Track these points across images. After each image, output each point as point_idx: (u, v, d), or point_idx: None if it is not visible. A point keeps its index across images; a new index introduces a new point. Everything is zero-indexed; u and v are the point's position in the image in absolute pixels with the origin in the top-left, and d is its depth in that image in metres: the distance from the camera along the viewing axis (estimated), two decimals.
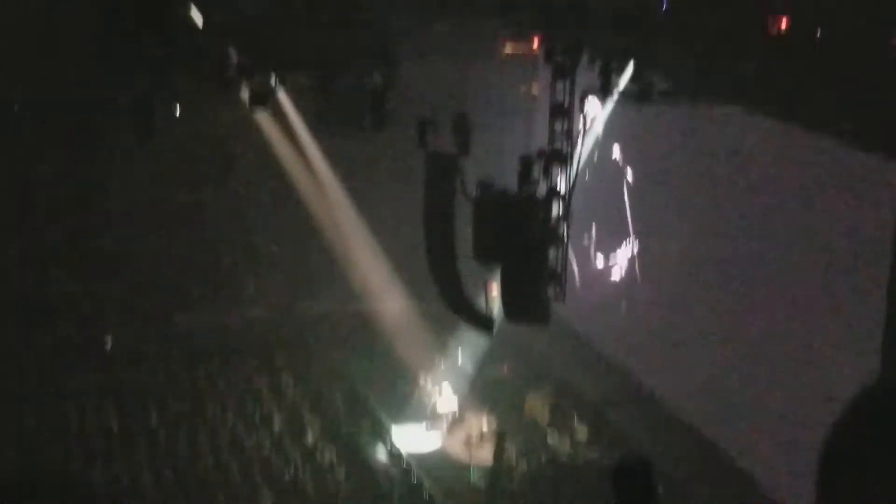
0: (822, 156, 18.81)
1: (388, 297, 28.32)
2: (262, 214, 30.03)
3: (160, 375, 26.14)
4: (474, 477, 22.41)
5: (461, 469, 22.85)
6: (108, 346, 27.05)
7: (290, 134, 27.90)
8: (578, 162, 18.11)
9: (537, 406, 25.09)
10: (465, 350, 26.48)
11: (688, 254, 23.79)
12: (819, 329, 19.54)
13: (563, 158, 17.65)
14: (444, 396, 25.06)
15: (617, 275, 26.66)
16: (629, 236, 26.01)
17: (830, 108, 16.14)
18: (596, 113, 22.56)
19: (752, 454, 21.25)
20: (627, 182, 25.97)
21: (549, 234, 17.73)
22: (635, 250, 25.89)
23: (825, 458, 1.25)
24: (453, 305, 19.97)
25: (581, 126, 18.08)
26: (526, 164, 17.44)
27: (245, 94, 21.41)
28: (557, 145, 17.77)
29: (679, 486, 21.67)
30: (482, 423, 24.08)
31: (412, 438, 23.93)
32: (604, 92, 18.04)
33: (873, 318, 17.29)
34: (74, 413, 23.93)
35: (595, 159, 26.06)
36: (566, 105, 18.00)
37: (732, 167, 21.81)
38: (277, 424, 24.05)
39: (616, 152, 26.29)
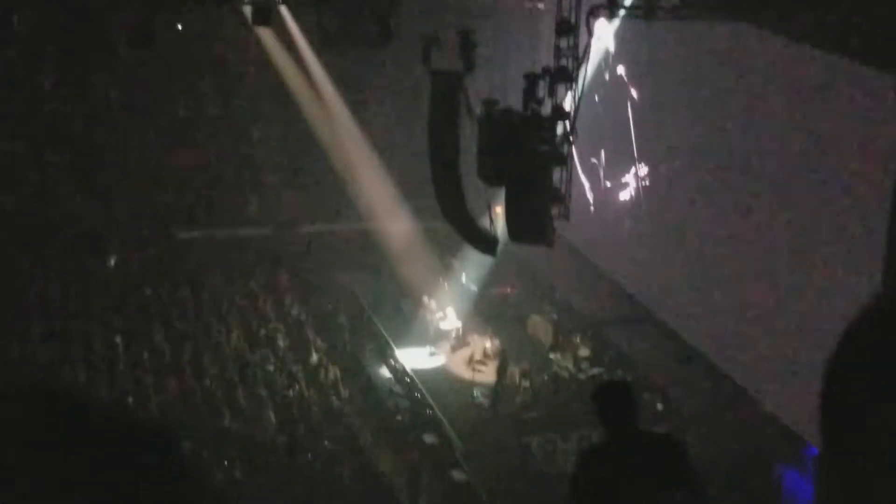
0: (828, 71, 18.64)
1: (392, 216, 28.27)
2: (265, 132, 29.90)
3: (164, 293, 26.20)
4: (477, 395, 22.58)
5: (464, 387, 23.02)
6: (112, 264, 27.08)
7: (293, 51, 27.68)
8: (584, 80, 17.93)
9: (540, 325, 25.20)
10: (469, 270, 26.52)
11: (692, 173, 23.68)
12: (821, 245, 19.52)
13: (569, 77, 17.44)
14: (447, 316, 25.17)
15: (621, 195, 26.58)
16: (634, 156, 25.88)
17: (837, 23, 15.97)
18: (603, 30, 22.30)
19: (753, 372, 21.35)
20: (633, 101, 25.78)
21: (554, 154, 17.60)
22: (640, 171, 25.78)
23: (829, 376, 1.21)
24: (457, 225, 19.92)
25: (587, 43, 17.85)
26: (531, 83, 17.24)
27: (247, 12, 21.20)
28: (563, 63, 17.57)
29: (675, 403, 21.90)
30: (485, 342, 24.22)
31: (416, 357, 24.07)
32: (611, 8, 17.80)
33: (875, 233, 17.29)
34: (79, 332, 24.03)
35: (601, 78, 25.85)
36: (572, 22, 17.76)
37: (738, 84, 21.62)
38: (281, 342, 24.16)
39: (622, 71, 26.06)
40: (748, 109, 21.34)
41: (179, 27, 23.99)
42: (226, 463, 19.14)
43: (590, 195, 27.17)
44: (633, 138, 25.78)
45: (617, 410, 6.40)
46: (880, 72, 17.13)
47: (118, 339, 23.54)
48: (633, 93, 25.72)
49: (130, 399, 21.22)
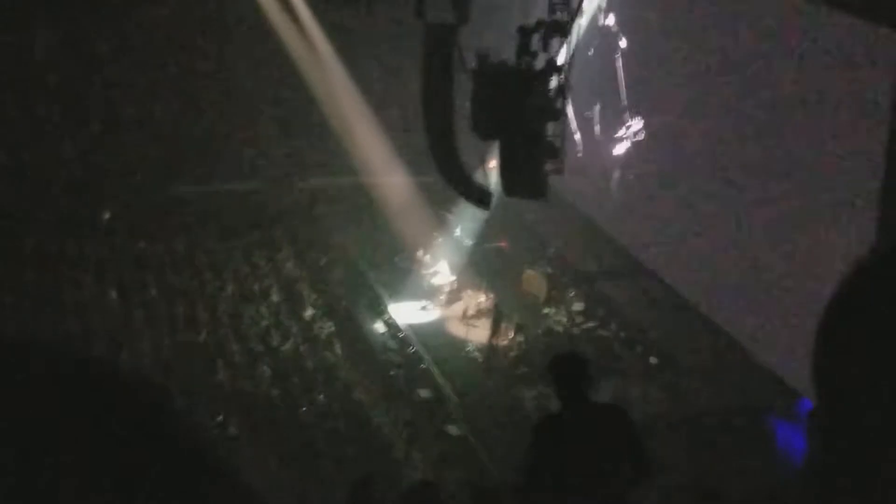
0: (822, 27, 18.56)
1: (385, 170, 28.22)
2: (258, 86, 29.75)
3: (158, 247, 26.18)
4: (471, 349, 22.65)
5: (458, 342, 23.08)
6: (106, 218, 27.02)
7: (285, 3, 27.51)
8: (578, 34, 17.85)
9: (534, 280, 25.24)
10: (463, 224, 26.52)
11: (685, 125, 23.65)
12: (816, 198, 19.54)
13: (563, 30, 17.35)
14: (441, 270, 25.19)
15: (615, 148, 26.55)
16: (627, 110, 25.83)
17: None
18: None
19: (748, 325, 21.45)
20: (624, 53, 25.69)
21: (548, 108, 17.55)
22: (633, 123, 25.73)
23: (821, 329, 1.20)
24: (451, 179, 19.89)
25: None
26: (525, 36, 17.16)
27: None
28: (557, 16, 17.47)
29: (670, 356, 22.00)
30: (479, 297, 24.26)
31: (410, 312, 24.12)
32: None
33: (871, 185, 17.29)
34: (71, 285, 24.03)
35: (595, 31, 25.73)
36: None
37: (729, 37, 21.55)
38: (276, 297, 24.19)
39: (612, 22, 25.94)
40: (741, 64, 21.27)
41: None
42: (220, 418, 19.21)
43: (584, 149, 27.13)
44: (625, 91, 25.71)
45: (569, 383, 6.63)
46: (877, 26, 17.05)
47: (113, 294, 23.56)
48: (623, 44, 25.63)
49: (124, 354, 21.27)
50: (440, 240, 26.57)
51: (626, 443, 6.73)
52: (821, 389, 1.20)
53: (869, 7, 16.21)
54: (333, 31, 27.91)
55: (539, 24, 17.36)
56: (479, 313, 23.78)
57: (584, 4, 17.80)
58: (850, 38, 18.05)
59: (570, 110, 23.86)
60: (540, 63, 17.25)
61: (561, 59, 17.50)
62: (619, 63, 25.75)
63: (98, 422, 1.22)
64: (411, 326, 23.35)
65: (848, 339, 1.17)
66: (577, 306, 24.03)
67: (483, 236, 26.57)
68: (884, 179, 16.77)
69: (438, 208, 26.91)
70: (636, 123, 25.57)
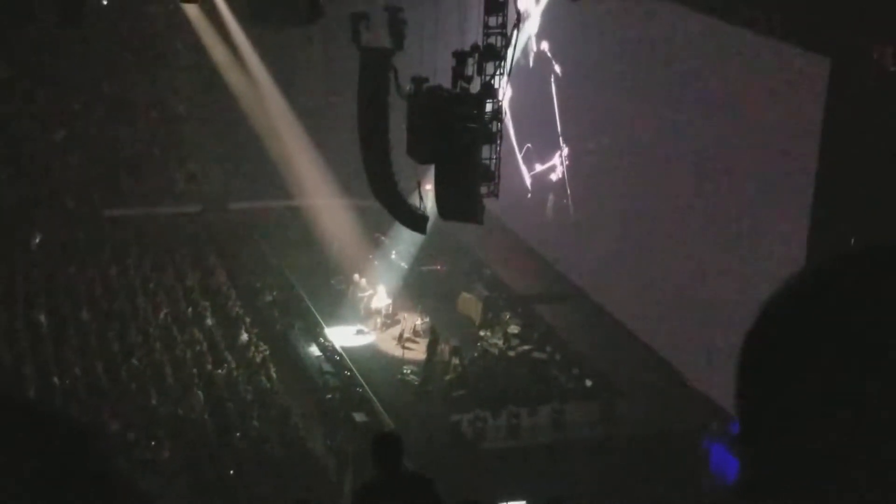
0: (751, 48, 18.89)
1: (321, 193, 28.14)
2: (192, 108, 29.58)
3: (90, 271, 25.84)
4: (407, 372, 22.61)
5: (394, 365, 23.03)
6: (37, 241, 26.61)
7: (221, 27, 27.42)
8: (513, 58, 17.97)
9: (470, 302, 25.28)
10: (399, 247, 26.52)
11: (617, 151, 23.91)
12: (746, 224, 19.84)
13: (497, 55, 17.48)
14: (377, 293, 25.15)
15: (548, 172, 26.74)
16: (560, 133, 26.04)
17: (762, 4, 16.20)
18: (531, 8, 22.36)
19: (678, 347, 21.66)
20: (557, 79, 25.92)
21: (483, 132, 17.64)
22: (566, 149, 25.95)
23: (745, 352, 1.24)
24: (387, 202, 19.90)
25: (516, 22, 17.88)
26: (460, 60, 17.25)
27: None
28: (492, 41, 17.59)
29: (604, 378, 22.15)
30: (415, 320, 24.25)
31: (346, 335, 24.03)
32: None
33: (801, 209, 17.60)
34: (2, 309, 23.64)
35: (530, 56, 25.95)
36: (501, 0, 17.78)
37: (660, 62, 21.83)
38: (210, 321, 23.98)
39: (547, 48, 26.17)
40: (672, 89, 21.55)
41: (105, 2, 23.63)
42: (153, 443, 18.98)
43: (519, 172, 27.29)
44: (558, 117, 25.94)
45: (386, 457, 7.76)
46: (806, 52, 17.39)
47: (42, 319, 23.21)
48: (558, 70, 25.86)
49: (55, 379, 20.95)
50: (376, 263, 26.54)
51: None
52: (741, 413, 1.24)
53: (789, 30, 16.58)
54: (269, 56, 27.85)
55: (474, 48, 17.47)
56: (416, 336, 23.77)
57: (519, 30, 17.91)
58: (776, 58, 18.39)
59: (511, 134, 24.07)
60: (475, 87, 17.35)
61: (496, 84, 17.61)
62: (553, 88, 25.97)
63: (29, 447, 1.22)
64: (347, 349, 23.26)
65: (769, 363, 1.21)
66: (513, 329, 24.10)
67: (419, 259, 26.59)
68: (812, 202, 17.07)
69: (374, 231, 26.89)
70: (570, 147, 25.77)
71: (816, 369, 1.16)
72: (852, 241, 14.50)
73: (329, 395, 21.53)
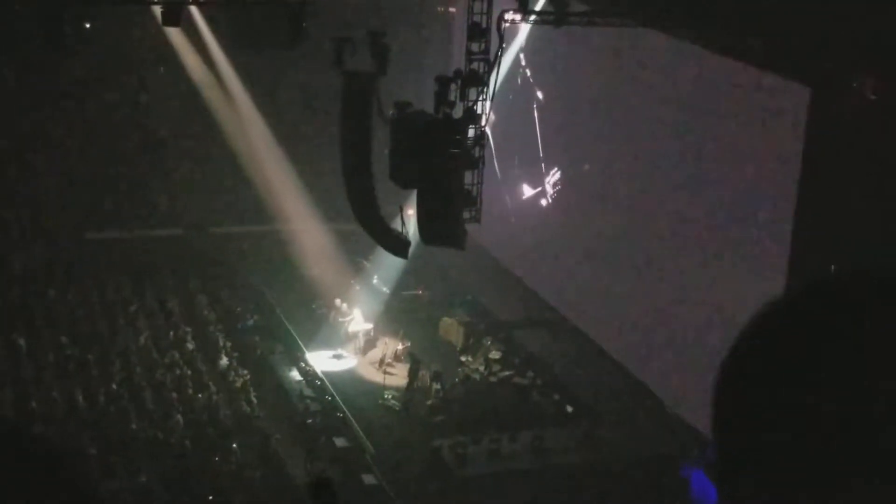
0: (732, 76, 19.01)
1: (303, 217, 28.11)
2: (174, 132, 29.53)
3: (71, 294, 25.72)
4: (388, 397, 22.55)
5: (375, 390, 22.97)
6: (16, 266, 26.46)
7: (203, 51, 27.44)
8: (495, 84, 18.04)
9: (451, 327, 25.26)
10: (381, 272, 26.50)
11: (597, 176, 24.00)
12: (727, 248, 19.91)
13: (480, 80, 17.55)
14: (358, 318, 25.10)
15: (530, 198, 26.80)
16: (542, 159, 26.12)
17: (738, 27, 16.32)
18: (514, 35, 22.45)
19: (659, 373, 21.69)
20: (541, 105, 26.02)
21: (465, 157, 17.69)
22: (547, 174, 26.02)
23: (722, 375, 1.24)
24: (369, 227, 19.91)
25: (499, 47, 17.97)
26: (443, 86, 17.31)
27: (157, 12, 20.95)
28: (474, 66, 17.67)
29: (585, 404, 22.16)
30: (396, 345, 24.21)
31: (327, 360, 23.97)
32: (521, 13, 17.96)
33: (781, 236, 17.68)
34: None
35: (513, 82, 26.03)
36: (484, 26, 17.88)
37: (642, 88, 21.95)
38: (190, 346, 23.86)
39: (531, 75, 26.28)
40: (653, 116, 21.67)
41: (87, 26, 23.59)
42: (132, 467, 18.86)
43: (501, 198, 27.33)
44: (541, 142, 26.02)
45: (323, 499, 8.28)
46: (787, 81, 17.52)
47: (22, 342, 23.07)
48: (540, 95, 25.97)
49: (34, 403, 20.82)
50: (358, 287, 26.50)
51: None
52: (718, 440, 1.24)
53: (770, 59, 16.71)
54: (251, 79, 27.87)
55: (457, 74, 17.54)
56: (396, 361, 23.72)
57: (502, 56, 17.99)
58: (756, 87, 18.51)
59: (487, 159, 24.05)
60: (458, 112, 17.40)
61: (478, 109, 17.67)
62: (536, 114, 26.06)
63: (8, 471, 1.21)
64: (328, 374, 23.19)
65: (741, 392, 1.21)
66: (495, 354, 24.08)
67: (401, 284, 26.57)
68: (793, 230, 17.16)
69: (356, 256, 26.87)
70: (552, 173, 25.84)
71: (791, 397, 1.16)
72: (832, 268, 14.56)
73: (310, 420, 21.46)
